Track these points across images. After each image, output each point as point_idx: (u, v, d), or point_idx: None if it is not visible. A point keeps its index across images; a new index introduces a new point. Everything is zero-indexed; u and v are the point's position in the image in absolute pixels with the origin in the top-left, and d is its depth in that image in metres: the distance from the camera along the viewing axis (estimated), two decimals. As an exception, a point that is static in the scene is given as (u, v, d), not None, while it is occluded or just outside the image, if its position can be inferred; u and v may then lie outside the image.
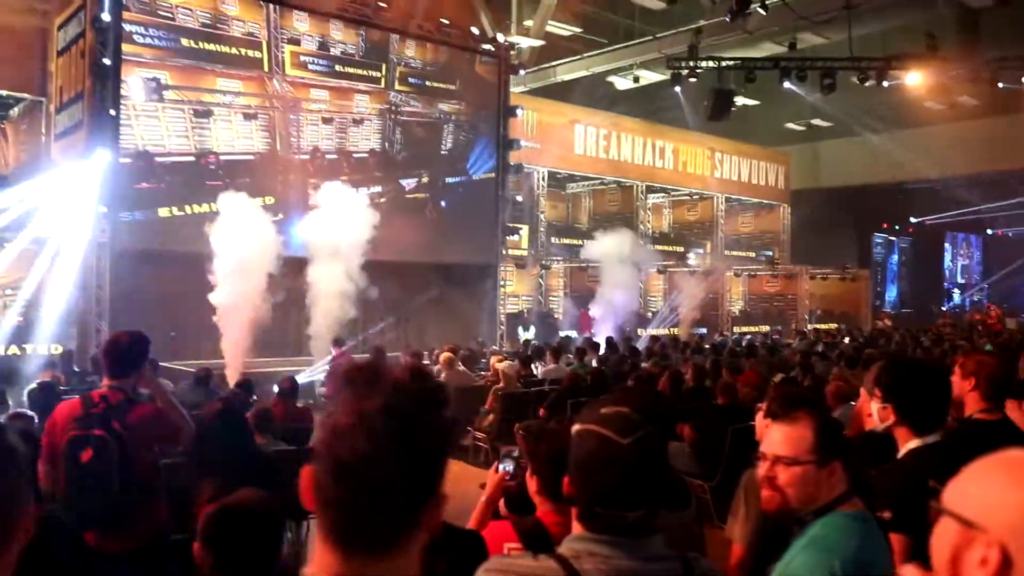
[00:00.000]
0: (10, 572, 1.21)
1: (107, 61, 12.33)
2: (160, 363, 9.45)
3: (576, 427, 1.65)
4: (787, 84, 17.44)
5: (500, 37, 17.85)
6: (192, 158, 13.66)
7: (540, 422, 4.60)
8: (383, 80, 16.28)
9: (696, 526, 3.04)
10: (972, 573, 0.99)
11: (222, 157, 13.94)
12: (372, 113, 16.11)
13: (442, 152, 17.31)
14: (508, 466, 2.77)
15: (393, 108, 16.42)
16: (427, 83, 16.98)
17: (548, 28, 18.66)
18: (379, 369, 1.17)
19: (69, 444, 3.56)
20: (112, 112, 12.44)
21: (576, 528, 1.62)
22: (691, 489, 3.08)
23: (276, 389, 7.88)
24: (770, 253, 27.66)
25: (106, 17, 12.26)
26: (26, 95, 14.07)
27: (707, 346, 15.28)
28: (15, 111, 14.48)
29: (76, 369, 10.57)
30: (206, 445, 3.65)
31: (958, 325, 24.90)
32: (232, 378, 10.23)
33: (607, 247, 18.40)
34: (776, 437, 2.05)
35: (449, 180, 17.39)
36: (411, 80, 16.72)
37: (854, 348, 13.52)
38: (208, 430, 3.74)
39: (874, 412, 2.71)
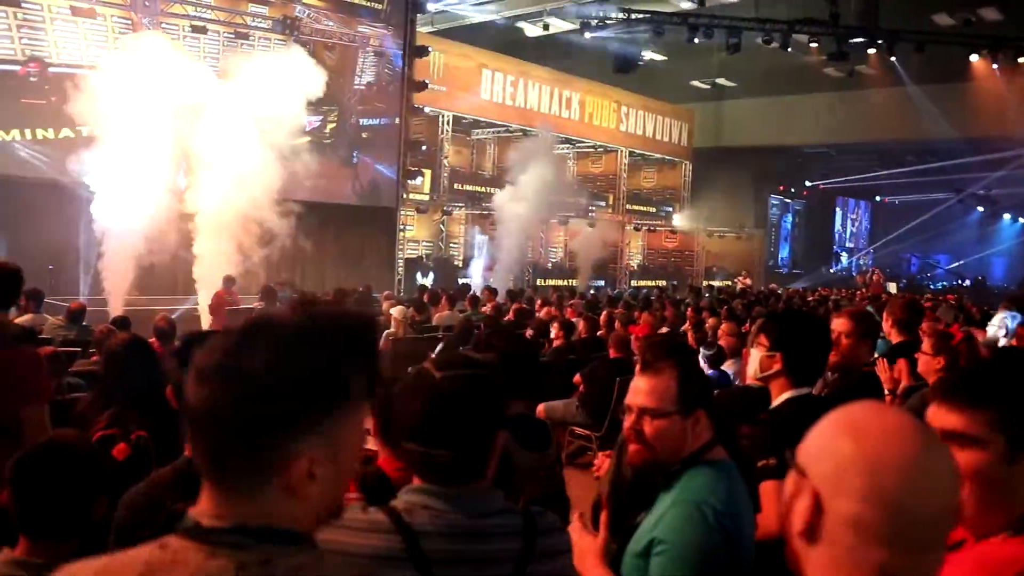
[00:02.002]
0: None
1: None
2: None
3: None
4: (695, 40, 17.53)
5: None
6: (15, 67, 12.32)
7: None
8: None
9: (559, 467, 3.00)
10: (794, 519, 1.01)
11: (51, 69, 12.51)
12: (266, 27, 14.79)
13: (356, 86, 16.50)
14: None
15: (295, 22, 15.17)
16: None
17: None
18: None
19: None
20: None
21: (414, 479, 1.56)
22: (552, 433, 3.03)
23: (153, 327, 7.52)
24: (670, 209, 28.09)
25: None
26: None
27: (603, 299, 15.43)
28: None
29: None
30: (116, 374, 3.42)
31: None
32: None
33: (514, 194, 18.23)
34: (641, 388, 2.03)
35: (365, 122, 16.72)
36: None
37: (743, 305, 13.85)
38: (117, 358, 3.50)
39: (754, 361, 2.70)
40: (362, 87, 16.76)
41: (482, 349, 2.74)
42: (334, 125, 16.19)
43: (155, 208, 11.30)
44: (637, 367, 2.17)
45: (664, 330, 9.06)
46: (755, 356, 2.70)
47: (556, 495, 2.75)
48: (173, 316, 8.23)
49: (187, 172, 12.30)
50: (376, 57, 16.92)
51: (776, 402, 2.66)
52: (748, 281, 24.09)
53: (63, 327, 8.44)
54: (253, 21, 14.84)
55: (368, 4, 16.45)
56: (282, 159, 12.30)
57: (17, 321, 7.73)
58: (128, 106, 11.01)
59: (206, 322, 11.52)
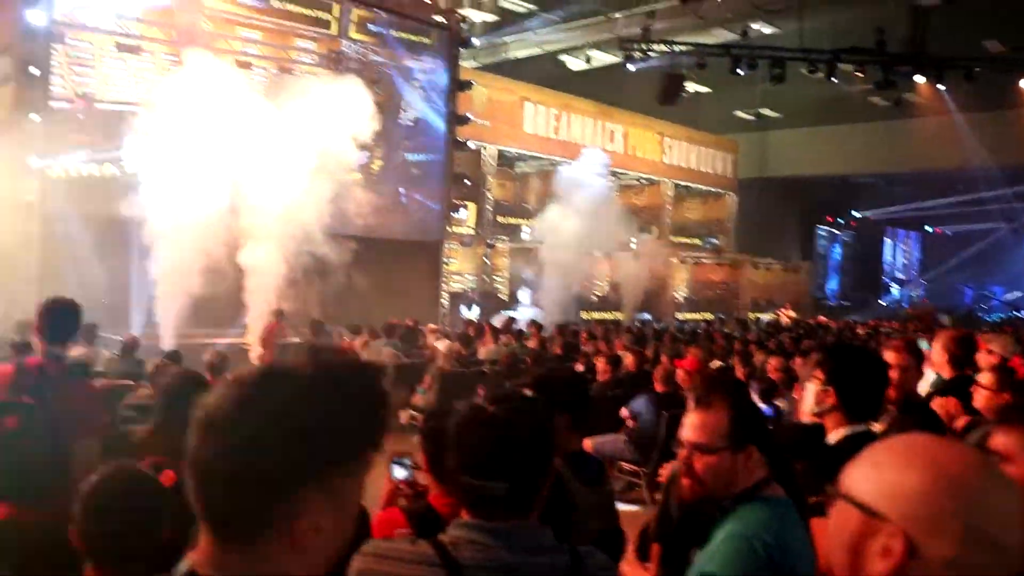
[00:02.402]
0: None
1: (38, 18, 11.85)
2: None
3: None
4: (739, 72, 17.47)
5: (452, 9, 17.55)
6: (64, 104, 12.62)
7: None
8: (334, 24, 15.34)
9: (614, 503, 2.99)
10: (874, 562, 0.97)
11: (98, 105, 12.82)
12: (312, 62, 14.93)
13: (401, 121, 16.60)
14: (401, 473, 2.49)
15: (340, 57, 15.26)
16: (393, 32, 16.15)
17: (501, 3, 18.42)
18: (319, 349, 1.08)
19: None
20: (36, 72, 11.96)
21: (463, 513, 1.57)
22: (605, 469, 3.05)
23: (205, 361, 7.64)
24: (715, 241, 27.87)
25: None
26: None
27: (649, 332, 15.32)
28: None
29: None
30: (170, 407, 3.49)
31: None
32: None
33: (555, 225, 18.27)
34: (693, 423, 2.03)
35: (410, 157, 16.85)
36: (371, 27, 15.85)
37: (792, 339, 13.65)
38: (172, 392, 3.57)
39: (809, 395, 2.66)
40: (408, 122, 16.98)
41: (536, 384, 2.73)
42: (381, 161, 16.38)
43: (206, 241, 11.49)
44: (690, 402, 2.16)
45: (716, 364, 8.94)
46: (810, 391, 2.65)
47: (613, 531, 2.73)
48: (222, 349, 8.37)
49: (238, 206, 12.52)
50: (422, 92, 17.16)
51: (832, 438, 2.61)
52: (791, 314, 23.66)
53: (116, 360, 8.62)
54: (298, 56, 15.05)
55: (415, 39, 16.69)
56: (331, 194, 12.47)
57: (72, 354, 7.91)
58: (179, 140, 11.28)
59: (256, 355, 11.65)
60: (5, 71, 12.45)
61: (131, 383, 7.50)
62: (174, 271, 11.52)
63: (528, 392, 1.69)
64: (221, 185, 11.74)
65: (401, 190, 16.91)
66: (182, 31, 13.44)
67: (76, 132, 12.61)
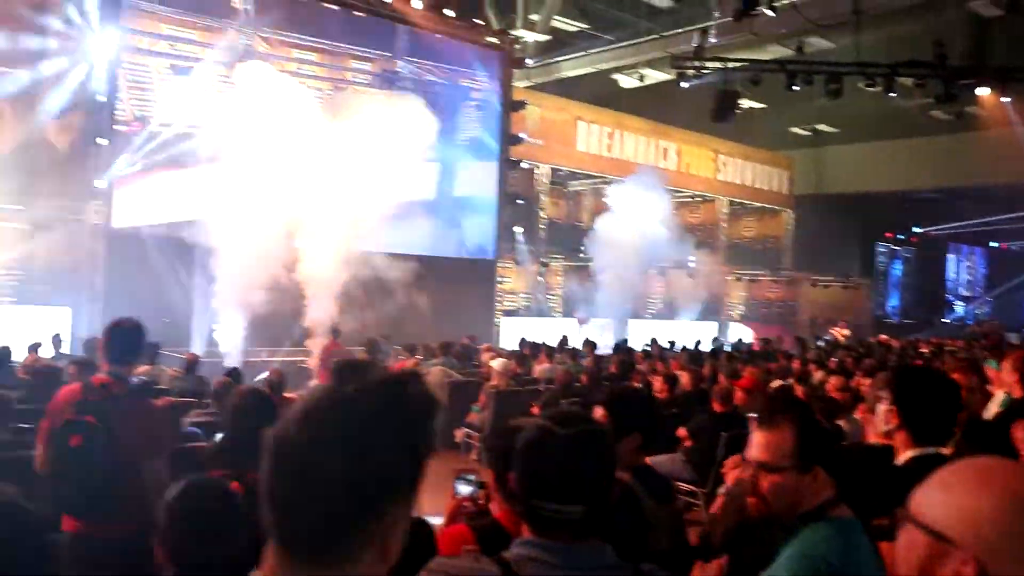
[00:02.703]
0: None
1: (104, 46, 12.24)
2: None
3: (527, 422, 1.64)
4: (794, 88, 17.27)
5: (505, 30, 17.72)
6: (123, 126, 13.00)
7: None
8: (392, 45, 15.57)
9: (683, 520, 2.99)
10: None
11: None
12: (366, 82, 15.18)
13: (457, 142, 16.81)
14: (466, 489, 2.51)
15: (396, 76, 15.48)
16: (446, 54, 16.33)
17: (554, 23, 18.52)
18: (366, 366, 1.10)
19: (61, 428, 3.57)
20: (102, 99, 12.32)
21: (525, 531, 1.57)
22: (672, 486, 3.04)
23: (265, 379, 7.77)
24: (772, 258, 27.49)
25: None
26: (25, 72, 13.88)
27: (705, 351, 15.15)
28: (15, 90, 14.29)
29: (61, 352, 10.46)
30: (237, 425, 3.58)
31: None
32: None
33: (610, 243, 18.21)
34: (758, 443, 2.02)
35: (463, 175, 17.00)
36: (426, 48, 16.06)
37: (853, 358, 13.37)
38: (238, 410, 3.66)
39: (879, 415, 2.62)
40: (463, 142, 17.14)
41: (608, 403, 2.75)
42: (437, 179, 16.56)
43: (266, 260, 11.71)
44: (752, 421, 2.15)
45: (777, 383, 8.80)
46: (880, 411, 2.61)
47: (682, 548, 2.72)
48: (281, 367, 8.51)
49: (297, 225, 12.73)
50: (477, 111, 17.32)
51: (900, 460, 2.56)
52: (846, 332, 23.13)
53: (179, 378, 8.81)
54: (354, 76, 15.29)
55: (469, 60, 16.86)
56: (388, 213, 12.62)
57: (136, 372, 8.11)
58: (239, 160, 11.53)
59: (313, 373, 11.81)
60: (73, 98, 12.89)
61: (193, 400, 7.65)
62: (235, 290, 11.75)
63: (584, 410, 1.67)
64: (281, 204, 11.96)
65: (457, 210, 17.04)
66: (237, 53, 13.74)
67: (139, 154, 12.94)
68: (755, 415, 2.26)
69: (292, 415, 1.04)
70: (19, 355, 9.21)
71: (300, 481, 1.00)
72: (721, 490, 2.88)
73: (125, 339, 3.79)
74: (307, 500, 1.00)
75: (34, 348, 9.55)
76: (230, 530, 2.13)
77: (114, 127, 12.71)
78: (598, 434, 1.60)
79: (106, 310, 11.71)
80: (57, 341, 10.80)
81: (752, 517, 2.01)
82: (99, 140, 12.35)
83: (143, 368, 8.18)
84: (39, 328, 10.78)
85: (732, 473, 2.49)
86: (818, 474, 1.96)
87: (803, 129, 26.29)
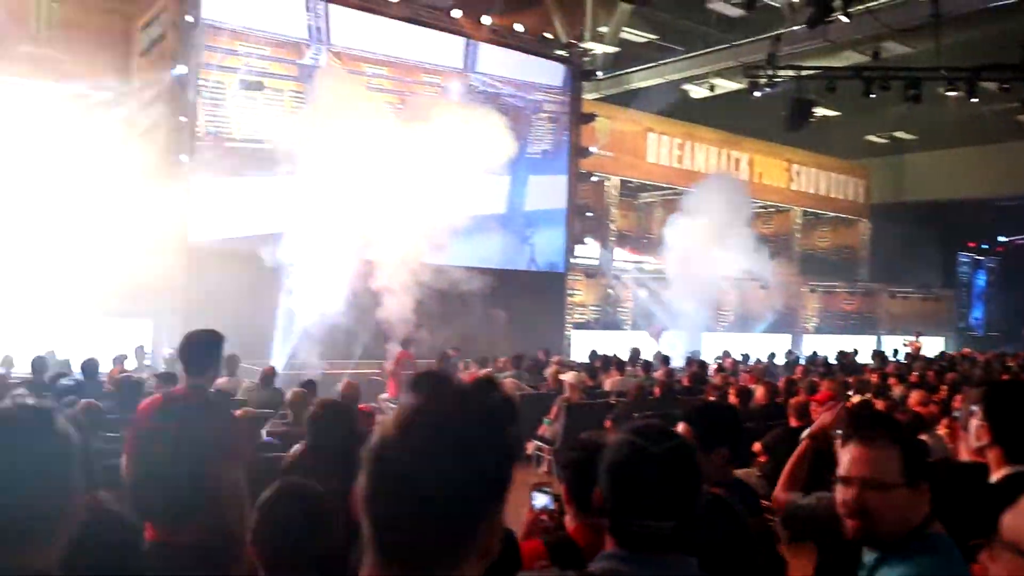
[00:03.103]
0: (58, 555, 1.31)
1: (184, 67, 12.60)
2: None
3: (611, 437, 1.65)
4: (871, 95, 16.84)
5: (574, 42, 17.73)
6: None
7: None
8: (462, 59, 15.71)
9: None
10: None
11: (228, 144, 13.52)
12: (435, 95, 15.22)
13: (528, 155, 16.83)
14: (542, 501, 2.46)
15: (470, 91, 15.52)
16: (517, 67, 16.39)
17: (623, 34, 18.46)
18: (445, 376, 1.11)
19: (144, 437, 3.68)
20: (183, 118, 12.68)
21: (608, 543, 1.57)
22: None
23: (339, 391, 7.87)
24: (847, 269, 26.83)
25: (185, 23, 12.57)
26: (110, 94, 14.44)
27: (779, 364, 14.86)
28: (98, 110, 14.87)
29: (148, 364, 10.78)
30: (318, 435, 3.65)
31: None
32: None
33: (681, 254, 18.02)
34: (860, 459, 1.93)
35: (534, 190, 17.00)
36: (497, 62, 16.17)
37: (936, 371, 12.94)
38: (319, 420, 3.73)
39: (971, 430, 2.53)
40: (535, 155, 17.18)
41: (693, 416, 2.72)
42: (508, 192, 16.61)
43: (342, 274, 11.91)
44: (837, 438, 2.09)
45: (856, 398, 8.57)
46: (972, 427, 2.51)
47: (776, 560, 2.69)
48: (354, 379, 8.60)
49: (372, 238, 12.92)
50: (549, 124, 17.35)
51: (994, 477, 2.46)
52: (919, 344, 22.32)
53: (256, 390, 8.99)
54: (424, 91, 15.41)
55: (539, 73, 16.92)
56: (461, 227, 12.72)
57: (216, 384, 8.33)
58: (316, 173, 11.76)
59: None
60: (155, 118, 13.36)
61: (270, 411, 7.80)
62: (312, 301, 11.98)
63: (666, 424, 1.67)
64: (356, 217, 12.16)
65: (527, 223, 17.08)
66: (309, 68, 14.01)
67: (219, 170, 13.30)
68: (840, 431, 2.19)
69: (389, 429, 1.05)
70: (104, 367, 9.53)
71: (404, 494, 1.01)
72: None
73: (202, 351, 3.87)
74: (412, 512, 1.01)
75: (119, 360, 9.87)
76: (319, 533, 2.20)
77: (195, 143, 13.05)
78: (688, 450, 1.60)
79: (185, 323, 12.05)
80: (140, 353, 11.15)
81: (850, 537, 1.94)
82: (181, 157, 12.72)
83: (221, 380, 8.38)
84: (122, 341, 11.13)
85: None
86: (925, 491, 1.91)
87: (880, 137, 25.63)
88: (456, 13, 15.55)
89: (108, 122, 14.66)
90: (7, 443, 1.32)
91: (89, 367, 8.84)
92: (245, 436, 4.02)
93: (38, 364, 8.63)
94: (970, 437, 2.54)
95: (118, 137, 14.44)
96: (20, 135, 13.56)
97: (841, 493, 1.95)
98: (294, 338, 12.39)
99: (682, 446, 1.59)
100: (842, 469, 1.97)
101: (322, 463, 3.39)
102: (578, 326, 19.20)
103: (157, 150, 13.10)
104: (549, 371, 11.24)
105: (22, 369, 8.45)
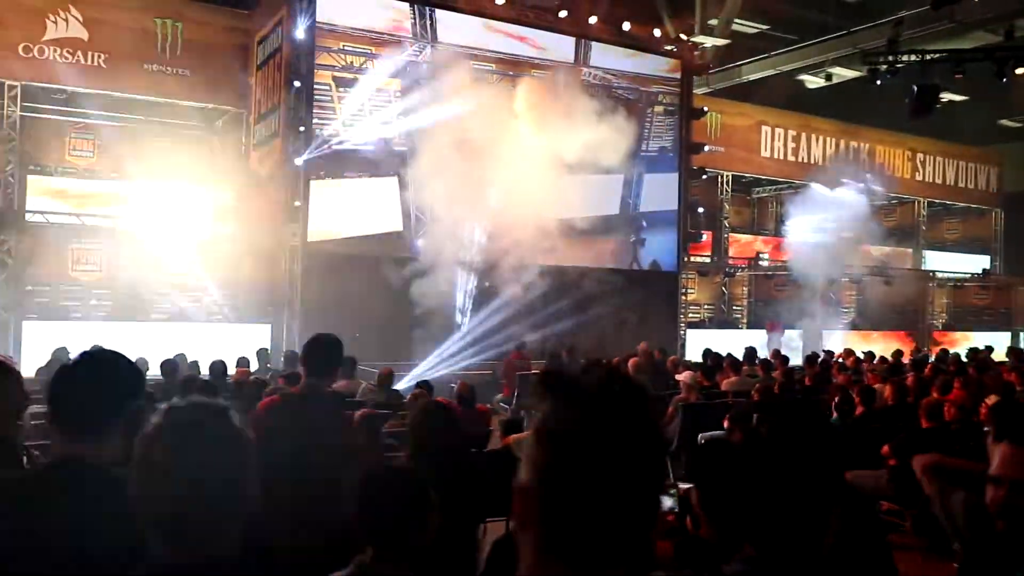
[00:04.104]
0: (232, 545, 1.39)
1: (297, 82, 12.98)
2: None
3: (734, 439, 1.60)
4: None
5: (683, 37, 17.41)
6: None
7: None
8: (572, 54, 15.61)
9: None
10: None
11: (335, 147, 13.63)
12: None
13: (643, 153, 16.60)
14: (666, 504, 2.38)
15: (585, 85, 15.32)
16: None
17: (733, 26, 18.01)
18: (570, 373, 1.08)
19: (262, 435, 3.70)
20: (302, 128, 13.04)
21: (748, 548, 1.54)
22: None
23: (455, 391, 7.97)
24: (980, 262, 25.43)
25: (300, 34, 12.95)
26: (230, 108, 15.11)
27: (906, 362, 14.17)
28: (220, 123, 15.59)
29: (269, 366, 11.13)
30: (421, 434, 3.71)
31: None
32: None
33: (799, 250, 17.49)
34: (1012, 460, 1.84)
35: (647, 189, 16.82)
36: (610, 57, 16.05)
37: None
38: (422, 421, 3.78)
39: None
40: (652, 152, 16.94)
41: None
42: (621, 191, 16.40)
43: (456, 276, 12.07)
44: (988, 437, 1.97)
45: (993, 399, 8.07)
46: None
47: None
48: (469, 380, 8.70)
49: (486, 242, 13.02)
50: (658, 121, 17.10)
51: None
52: None
53: (374, 391, 9.16)
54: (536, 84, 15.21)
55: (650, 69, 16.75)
56: (576, 226, 12.70)
57: (335, 386, 8.53)
58: (432, 176, 11.94)
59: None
60: (272, 128, 13.83)
61: (388, 412, 7.92)
62: (429, 304, 12.19)
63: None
64: (472, 220, 12.30)
65: (644, 223, 16.85)
66: (413, 67, 14.19)
67: (329, 171, 13.61)
68: (989, 429, 2.05)
69: (563, 436, 1.02)
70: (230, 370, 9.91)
71: (595, 496, 0.99)
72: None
73: (323, 352, 3.98)
74: (601, 513, 0.99)
75: (243, 363, 10.22)
76: (419, 514, 2.31)
77: (309, 149, 13.38)
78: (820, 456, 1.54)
79: (303, 326, 12.44)
80: (263, 355, 11.54)
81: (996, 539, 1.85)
82: (296, 161, 13.07)
83: (341, 383, 8.57)
84: (244, 344, 11.56)
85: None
86: None
87: (1014, 121, 24.19)
88: (563, 13, 15.48)
89: (230, 134, 15.35)
90: (193, 442, 1.37)
91: (216, 369, 9.20)
92: (362, 434, 4.08)
93: (168, 367, 9.02)
94: None
95: (238, 148, 15.09)
96: (150, 149, 14.33)
97: (991, 492, 1.87)
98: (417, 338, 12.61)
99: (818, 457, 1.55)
100: (993, 468, 1.88)
101: (423, 463, 3.43)
102: (692, 325, 18.85)
103: (275, 158, 13.57)
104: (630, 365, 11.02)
105: (153, 372, 8.86)
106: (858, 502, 2.75)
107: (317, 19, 13.29)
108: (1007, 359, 15.57)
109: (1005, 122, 24.42)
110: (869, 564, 2.21)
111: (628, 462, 0.99)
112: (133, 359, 2.19)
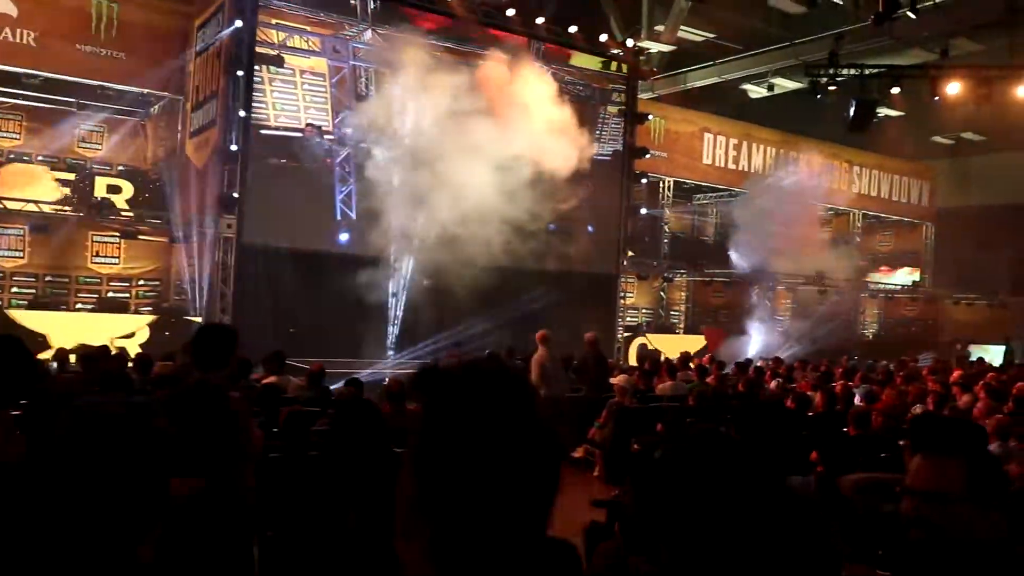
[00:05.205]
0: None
1: (239, 72, 12.64)
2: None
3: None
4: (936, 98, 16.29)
5: (629, 42, 17.47)
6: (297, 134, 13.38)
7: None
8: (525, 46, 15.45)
9: None
10: None
11: (327, 136, 13.51)
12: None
13: (598, 157, 16.42)
14: None
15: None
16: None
17: (680, 33, 18.13)
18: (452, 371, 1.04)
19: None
20: (242, 113, 12.69)
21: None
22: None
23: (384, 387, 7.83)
24: (909, 274, 26.10)
25: (241, 21, 12.62)
26: (166, 93, 14.66)
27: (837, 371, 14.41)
28: (155, 109, 15.12)
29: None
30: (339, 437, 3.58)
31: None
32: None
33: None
34: (922, 471, 1.83)
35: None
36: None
37: (1001, 381, 12.41)
38: (340, 424, 3.65)
39: None
40: (605, 157, 16.94)
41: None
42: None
43: (395, 273, 11.89)
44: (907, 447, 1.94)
45: (919, 409, 8.24)
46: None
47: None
48: (400, 376, 8.54)
49: (426, 237, 12.88)
50: (621, 119, 17.13)
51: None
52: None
53: (304, 388, 8.95)
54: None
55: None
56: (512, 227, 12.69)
57: (264, 382, 8.31)
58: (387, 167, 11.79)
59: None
60: (209, 116, 13.45)
61: (318, 410, 7.74)
62: (366, 302, 12.01)
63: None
64: (412, 216, 12.16)
65: (590, 227, 16.77)
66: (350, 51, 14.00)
67: (267, 164, 13.28)
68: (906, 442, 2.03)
69: (435, 430, 0.96)
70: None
71: (470, 491, 0.93)
72: None
73: (211, 344, 3.79)
74: (480, 513, 0.94)
75: (168, 357, 9.93)
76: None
77: (247, 139, 13.00)
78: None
79: (235, 320, 12.12)
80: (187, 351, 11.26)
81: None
82: (232, 148, 12.70)
83: (270, 378, 8.37)
84: (171, 337, 11.25)
85: None
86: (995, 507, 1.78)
87: (946, 139, 24.86)
88: (510, 11, 15.38)
89: (165, 120, 14.92)
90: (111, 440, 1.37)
91: (141, 362, 8.93)
92: (251, 431, 3.88)
93: (88, 359, 8.72)
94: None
95: (174, 135, 14.67)
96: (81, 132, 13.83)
97: (906, 503, 1.86)
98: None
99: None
100: (907, 479, 1.88)
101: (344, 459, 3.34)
102: (629, 329, 18.92)
103: (212, 146, 13.22)
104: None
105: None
106: (801, 507, 2.69)
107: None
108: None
109: (938, 139, 25.07)
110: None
111: (503, 455, 0.92)
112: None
